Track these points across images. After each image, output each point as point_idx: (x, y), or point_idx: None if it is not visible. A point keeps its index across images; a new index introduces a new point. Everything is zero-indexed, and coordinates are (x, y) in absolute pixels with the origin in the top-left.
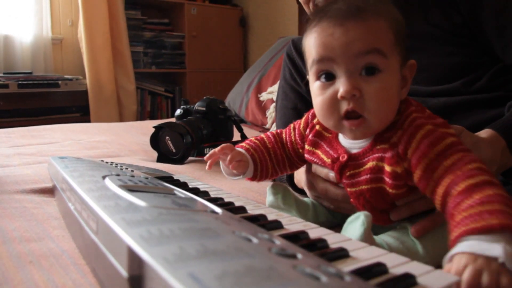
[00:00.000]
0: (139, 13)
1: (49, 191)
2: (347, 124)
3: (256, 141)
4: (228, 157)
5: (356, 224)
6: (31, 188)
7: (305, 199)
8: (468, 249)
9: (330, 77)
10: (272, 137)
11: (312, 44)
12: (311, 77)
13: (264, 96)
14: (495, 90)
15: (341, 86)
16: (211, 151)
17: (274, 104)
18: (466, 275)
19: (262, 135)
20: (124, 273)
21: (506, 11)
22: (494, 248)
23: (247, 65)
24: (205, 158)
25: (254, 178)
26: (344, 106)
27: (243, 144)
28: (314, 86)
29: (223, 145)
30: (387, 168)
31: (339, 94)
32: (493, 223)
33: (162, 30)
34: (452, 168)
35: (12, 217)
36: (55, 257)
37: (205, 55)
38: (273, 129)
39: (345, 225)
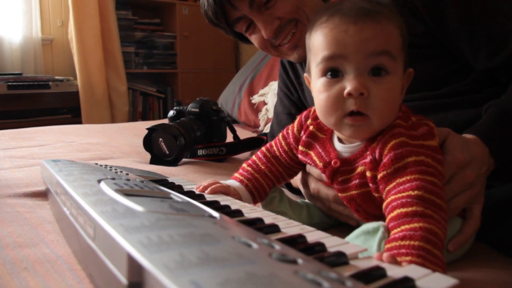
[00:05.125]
0: (130, 13)
1: (42, 195)
2: (350, 120)
3: (249, 168)
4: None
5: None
6: (23, 192)
7: (299, 200)
8: None
9: (336, 74)
10: (263, 157)
11: (321, 40)
12: (315, 73)
13: (256, 99)
14: (466, 94)
15: (349, 84)
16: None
17: (266, 107)
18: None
19: (254, 157)
20: (123, 280)
21: (471, 16)
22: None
23: (239, 66)
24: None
25: (254, 203)
26: (350, 106)
27: (236, 175)
28: (319, 82)
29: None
30: (367, 173)
31: (346, 91)
32: (406, 260)
33: (154, 30)
34: (399, 187)
35: (5, 222)
36: (50, 263)
37: (196, 55)
38: (267, 130)
39: (362, 234)
